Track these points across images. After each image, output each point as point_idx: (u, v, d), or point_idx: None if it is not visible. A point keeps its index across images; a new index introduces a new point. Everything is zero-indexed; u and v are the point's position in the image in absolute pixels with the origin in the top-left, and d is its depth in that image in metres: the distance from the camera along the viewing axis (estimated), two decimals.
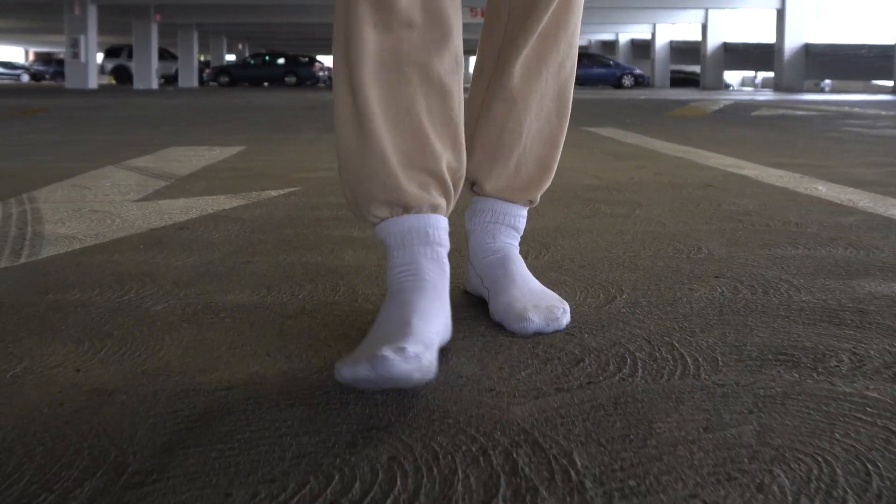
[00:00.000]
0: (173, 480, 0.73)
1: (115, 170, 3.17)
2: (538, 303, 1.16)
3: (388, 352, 0.84)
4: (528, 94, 1.23)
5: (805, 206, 2.31)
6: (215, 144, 4.38)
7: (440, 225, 1.09)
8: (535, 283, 1.23)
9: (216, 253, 1.68)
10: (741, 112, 8.64)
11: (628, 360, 1.04)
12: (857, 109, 9.56)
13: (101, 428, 0.83)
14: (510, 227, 1.28)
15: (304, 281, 1.45)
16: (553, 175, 1.29)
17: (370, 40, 1.01)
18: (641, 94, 18.97)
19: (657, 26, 38.54)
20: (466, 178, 1.25)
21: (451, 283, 1.33)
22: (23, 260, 1.61)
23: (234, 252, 1.69)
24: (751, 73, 43.69)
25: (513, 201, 1.28)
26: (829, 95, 18.71)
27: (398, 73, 1.03)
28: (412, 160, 1.05)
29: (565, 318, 1.15)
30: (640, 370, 1.00)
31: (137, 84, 28.84)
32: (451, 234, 1.19)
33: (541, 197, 1.33)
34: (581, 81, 32.25)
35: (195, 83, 35.93)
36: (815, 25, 45.99)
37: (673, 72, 40.78)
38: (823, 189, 2.64)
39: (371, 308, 1.28)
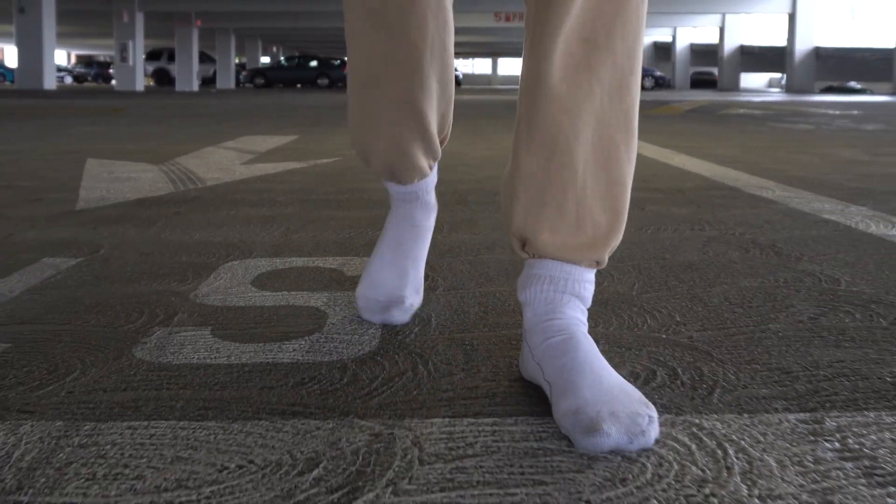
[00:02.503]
0: (313, 222, 2.19)
1: (214, 149, 4.67)
2: (616, 408, 0.88)
3: (394, 310, 1.30)
4: (577, 116, 0.98)
5: (653, 168, 3.73)
6: (274, 134, 5.87)
7: (428, 184, 1.37)
8: (612, 377, 0.94)
9: (299, 184, 3.15)
10: (709, 111, 10.02)
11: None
12: (811, 109, 10.90)
13: (291, 221, 2.30)
14: (574, 295, 1.04)
15: (347, 192, 2.91)
16: (624, 226, 1.04)
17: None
18: (649, 95, 20.29)
19: (678, 30, 39.70)
20: (514, 237, 1.06)
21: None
22: (199, 186, 3.09)
23: (309, 183, 3.16)
24: (776, 76, 44.57)
25: (575, 262, 1.03)
26: (827, 97, 19.92)
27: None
28: (405, 140, 1.24)
29: (653, 431, 0.86)
30: (473, 204, 2.45)
31: (179, 86, 30.59)
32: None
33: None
34: None
35: (232, 85, 37.68)
36: (849, 26, 46.46)
37: (698, 73, 41.90)
38: (678, 160, 4.07)
39: (376, 198, 2.73)
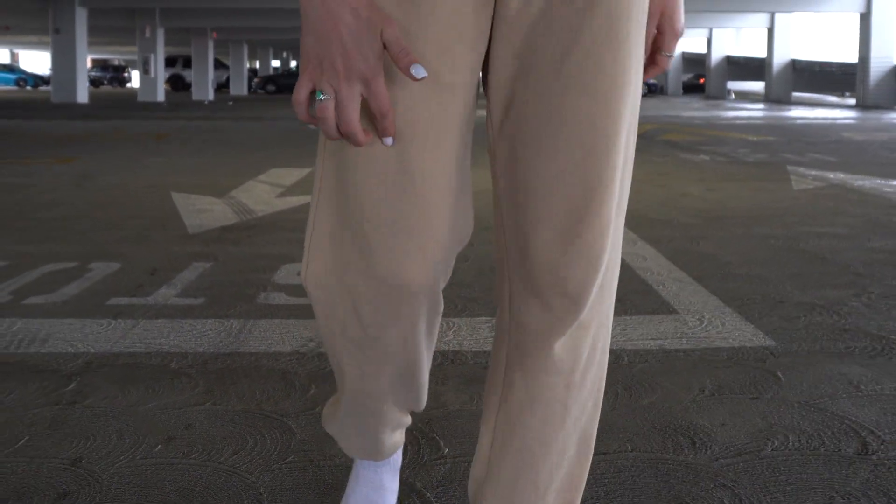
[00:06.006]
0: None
1: (254, 184, 6.62)
2: None
3: None
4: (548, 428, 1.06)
5: None
6: (294, 167, 7.82)
7: (400, 452, 1.38)
8: None
9: None
10: (646, 137, 11.90)
11: None
12: (738, 136, 12.82)
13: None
14: None
15: None
16: None
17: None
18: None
19: None
20: None
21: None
22: (253, 217, 5.04)
23: None
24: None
25: None
26: (790, 111, 21.83)
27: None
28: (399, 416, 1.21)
29: None
30: None
31: (196, 94, 32.61)
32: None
33: None
34: None
35: (245, 91, 39.71)
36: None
37: (697, 75, 43.75)
38: None
39: None
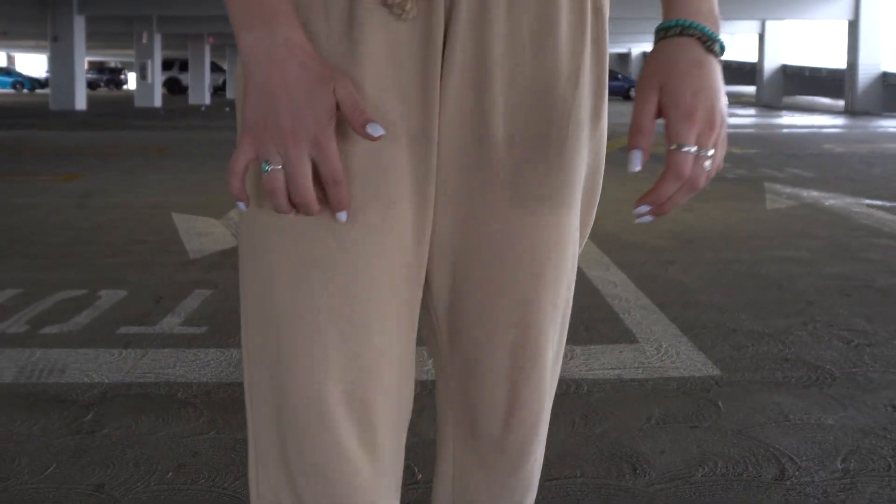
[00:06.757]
0: None
1: None
2: None
3: None
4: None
5: None
6: None
7: None
8: None
9: None
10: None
11: None
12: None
13: None
14: None
15: None
16: None
17: None
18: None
19: None
20: None
21: None
22: None
23: None
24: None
25: None
26: (780, 119, 22.16)
27: None
28: None
29: None
30: None
31: (193, 98, 32.87)
32: None
33: None
34: None
35: None
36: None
37: None
38: None
39: None
